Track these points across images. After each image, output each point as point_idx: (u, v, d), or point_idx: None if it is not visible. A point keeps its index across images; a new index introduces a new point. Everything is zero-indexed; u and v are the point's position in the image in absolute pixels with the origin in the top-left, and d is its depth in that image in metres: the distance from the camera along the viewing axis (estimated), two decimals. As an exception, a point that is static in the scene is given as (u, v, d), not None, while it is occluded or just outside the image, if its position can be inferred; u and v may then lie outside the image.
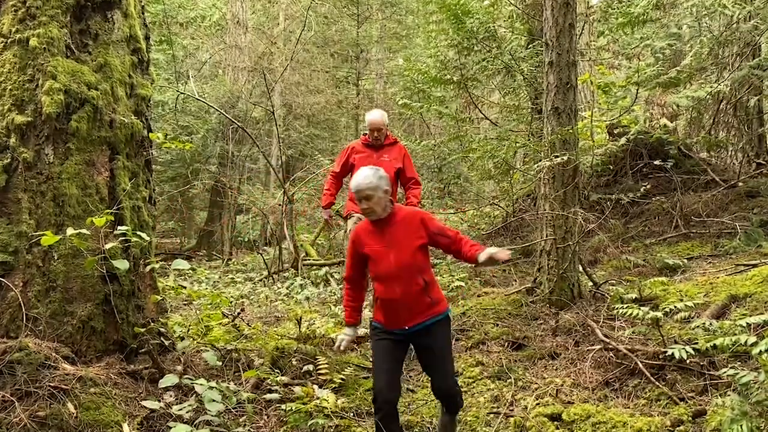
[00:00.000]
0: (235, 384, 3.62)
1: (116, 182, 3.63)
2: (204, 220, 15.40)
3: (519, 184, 8.67)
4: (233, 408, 3.45)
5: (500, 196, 9.06)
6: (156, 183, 4.65)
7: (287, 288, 7.49)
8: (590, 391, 3.64)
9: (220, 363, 3.73)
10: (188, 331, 4.19)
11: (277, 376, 3.92)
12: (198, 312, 4.80)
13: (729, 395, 3.00)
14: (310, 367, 4.12)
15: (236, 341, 4.30)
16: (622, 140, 7.05)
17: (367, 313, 4.37)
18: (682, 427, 3.02)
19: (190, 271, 8.36)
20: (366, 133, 5.24)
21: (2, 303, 3.22)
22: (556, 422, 3.37)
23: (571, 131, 4.95)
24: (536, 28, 8.32)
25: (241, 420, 3.41)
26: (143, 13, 4.11)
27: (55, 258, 3.32)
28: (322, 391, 3.70)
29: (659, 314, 3.63)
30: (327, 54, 18.19)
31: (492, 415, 3.58)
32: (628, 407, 3.38)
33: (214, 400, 3.08)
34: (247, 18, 15.65)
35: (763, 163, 7.85)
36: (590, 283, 5.10)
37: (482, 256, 2.91)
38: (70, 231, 3.12)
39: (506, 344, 4.50)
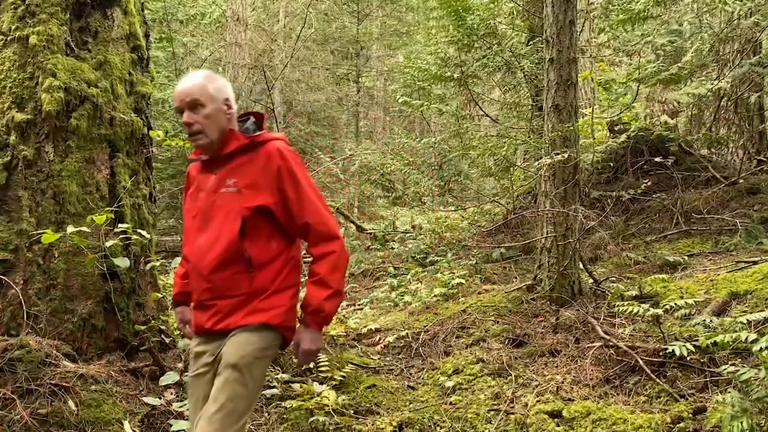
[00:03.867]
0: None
1: (116, 180, 3.63)
2: (204, 217, 15.36)
3: (519, 182, 8.66)
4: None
5: (501, 194, 9.05)
6: (156, 180, 4.65)
7: (288, 285, 7.48)
8: (590, 388, 3.64)
9: (221, 360, 3.73)
10: (189, 328, 4.18)
11: (278, 374, 3.93)
12: (198, 309, 4.80)
13: (729, 392, 3.00)
14: (311, 364, 4.12)
15: (237, 339, 4.30)
16: (623, 137, 7.04)
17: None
18: (682, 424, 3.02)
19: (191, 268, 8.34)
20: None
21: (3, 301, 3.22)
22: (556, 419, 3.37)
23: (571, 128, 4.94)
24: (537, 24, 8.31)
25: (241, 417, 3.41)
26: (143, 11, 4.11)
27: (56, 256, 3.33)
28: (323, 389, 3.70)
29: (660, 311, 3.63)
30: (327, 51, 18.18)
31: (492, 412, 3.59)
32: (629, 404, 3.38)
33: (214, 398, 3.08)
34: (247, 15, 15.62)
35: (764, 159, 7.84)
36: (591, 281, 5.10)
37: None
38: (70, 229, 3.12)
39: (506, 341, 4.51)
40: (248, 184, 2.17)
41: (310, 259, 2.25)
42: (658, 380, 3.46)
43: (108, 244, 3.36)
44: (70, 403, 2.95)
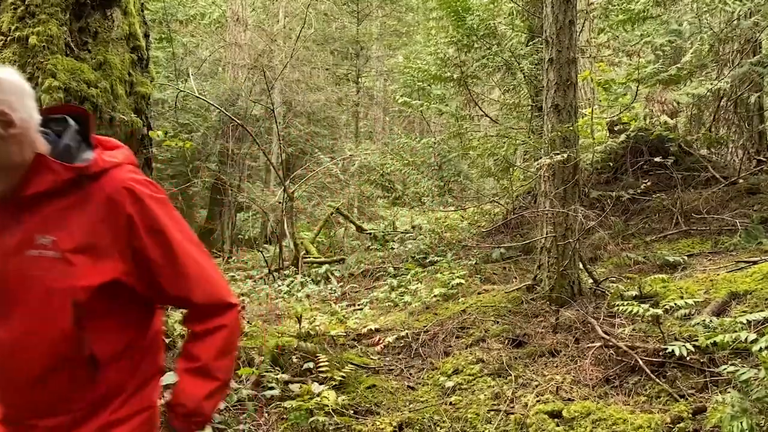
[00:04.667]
0: (236, 382, 3.63)
1: (116, 180, 3.63)
2: (204, 217, 15.42)
3: (519, 182, 8.67)
4: (233, 406, 3.46)
5: (500, 194, 9.06)
6: (156, 181, 4.66)
7: (288, 286, 7.50)
8: (590, 388, 3.64)
9: (221, 361, 3.72)
10: (189, 328, 4.18)
11: (278, 374, 3.93)
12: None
13: (729, 392, 3.00)
14: (311, 364, 4.12)
15: (237, 339, 4.30)
16: (622, 137, 7.04)
17: None
18: (682, 424, 3.02)
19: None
20: None
21: (3, 301, 3.22)
22: (556, 419, 3.37)
23: (571, 128, 4.94)
24: (536, 25, 8.31)
25: (241, 417, 3.42)
26: (143, 11, 4.11)
27: (56, 256, 3.32)
28: (323, 389, 3.70)
29: (659, 311, 3.63)
30: (327, 51, 18.20)
31: (492, 412, 3.59)
32: (628, 404, 3.38)
33: (214, 398, 3.07)
34: (246, 15, 15.62)
35: (764, 159, 7.85)
36: (590, 281, 5.10)
37: None
38: (70, 229, 3.12)
39: (506, 341, 4.51)
40: (79, 247, 1.33)
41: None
42: (658, 380, 3.46)
43: (108, 244, 3.35)
44: (70, 403, 2.95)
